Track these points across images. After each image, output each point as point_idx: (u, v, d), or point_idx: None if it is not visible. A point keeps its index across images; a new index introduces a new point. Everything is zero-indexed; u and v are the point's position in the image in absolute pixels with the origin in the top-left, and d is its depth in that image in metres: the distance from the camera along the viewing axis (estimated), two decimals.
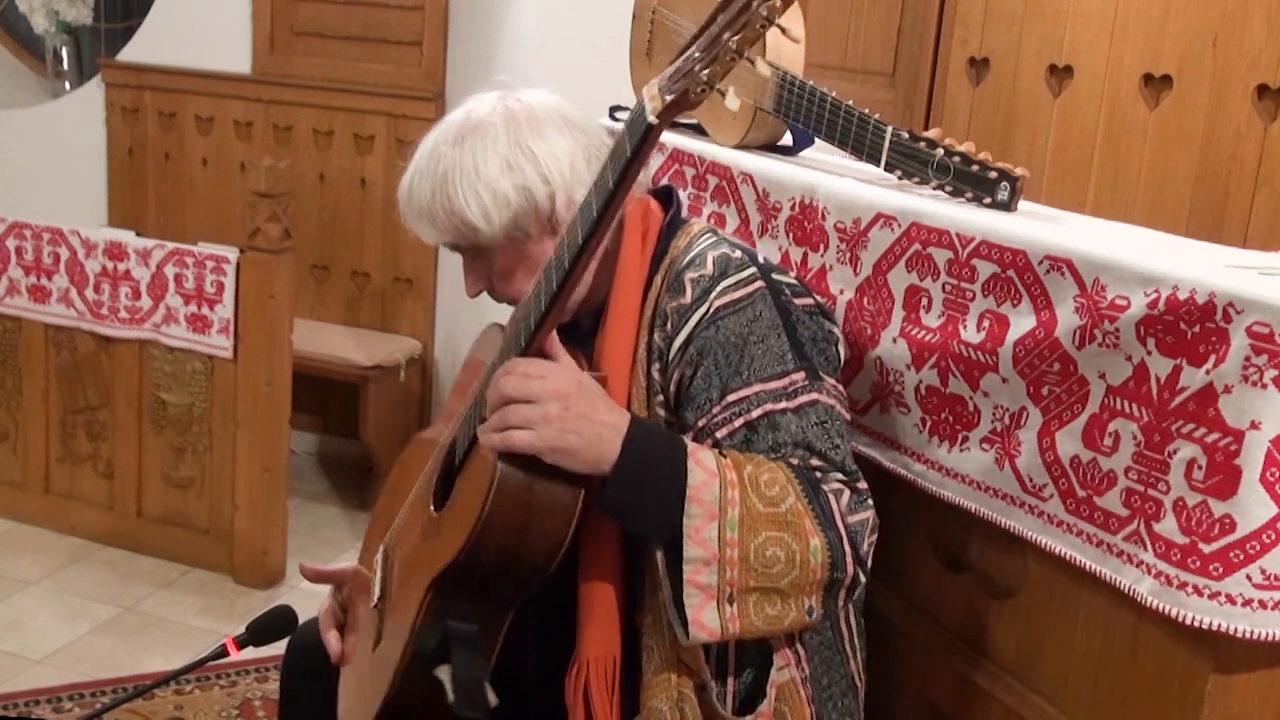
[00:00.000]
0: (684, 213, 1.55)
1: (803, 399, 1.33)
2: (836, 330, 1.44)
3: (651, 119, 1.15)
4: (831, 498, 1.28)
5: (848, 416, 1.39)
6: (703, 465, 1.26)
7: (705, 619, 1.24)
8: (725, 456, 1.28)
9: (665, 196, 1.52)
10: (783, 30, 1.13)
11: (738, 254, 1.40)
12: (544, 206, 1.44)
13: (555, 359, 1.32)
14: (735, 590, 1.25)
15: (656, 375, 1.39)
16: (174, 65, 4.07)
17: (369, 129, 3.89)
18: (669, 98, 1.15)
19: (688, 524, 1.24)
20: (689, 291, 1.38)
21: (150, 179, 4.21)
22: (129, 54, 4.18)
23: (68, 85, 4.81)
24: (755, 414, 1.32)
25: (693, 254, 1.41)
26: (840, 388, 1.39)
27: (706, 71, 1.12)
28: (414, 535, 1.49)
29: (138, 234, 3.32)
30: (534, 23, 3.38)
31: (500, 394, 1.27)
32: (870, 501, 1.32)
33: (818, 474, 1.30)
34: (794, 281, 1.42)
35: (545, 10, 3.35)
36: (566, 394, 1.26)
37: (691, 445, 1.29)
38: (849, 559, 1.27)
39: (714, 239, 1.44)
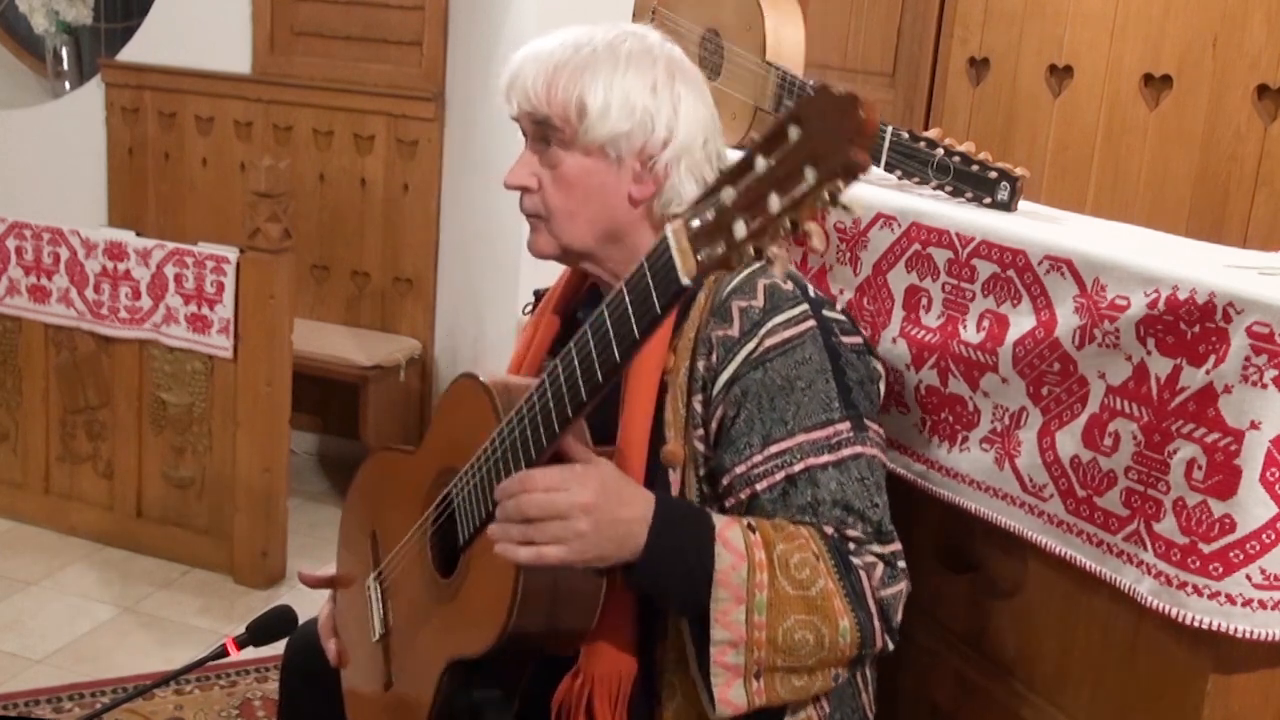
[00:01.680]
0: None
1: (846, 452, 1.30)
2: (880, 366, 1.42)
3: (685, 281, 1.00)
4: (863, 575, 1.26)
5: (887, 463, 1.37)
6: (730, 547, 1.23)
7: (732, 696, 1.24)
8: (755, 532, 1.25)
9: None
10: (845, 208, 0.91)
11: (789, 285, 1.35)
12: (652, 147, 1.36)
13: (569, 457, 1.24)
14: (762, 668, 1.24)
15: (699, 407, 1.34)
16: (174, 65, 4.06)
17: (369, 129, 3.89)
18: (703, 262, 0.98)
19: (714, 607, 1.22)
20: (737, 323, 1.33)
21: (150, 179, 4.20)
22: (129, 54, 4.18)
23: (68, 85, 4.80)
24: (796, 468, 1.29)
25: (739, 278, 1.36)
26: (881, 431, 1.37)
27: (752, 245, 0.94)
28: (414, 586, 1.46)
29: (138, 234, 3.31)
30: (534, 23, 3.37)
31: (523, 515, 1.20)
32: (903, 567, 1.31)
33: (851, 545, 1.28)
34: (842, 317, 1.38)
35: (545, 10, 3.34)
36: (593, 505, 1.19)
37: (720, 524, 1.25)
38: (879, 634, 1.27)
39: (759, 263, 1.37)
